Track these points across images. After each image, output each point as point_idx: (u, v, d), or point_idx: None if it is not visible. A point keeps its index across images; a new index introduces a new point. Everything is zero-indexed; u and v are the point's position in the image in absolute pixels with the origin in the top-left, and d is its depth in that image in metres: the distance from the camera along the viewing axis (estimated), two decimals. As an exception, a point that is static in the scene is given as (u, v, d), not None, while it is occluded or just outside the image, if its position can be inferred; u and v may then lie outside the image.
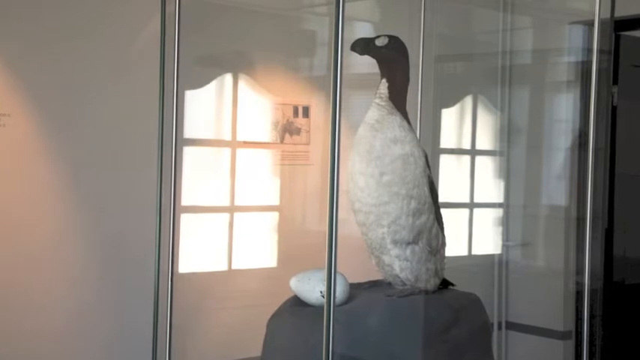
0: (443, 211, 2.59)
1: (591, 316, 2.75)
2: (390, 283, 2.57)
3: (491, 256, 4.65)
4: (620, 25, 3.96)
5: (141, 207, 3.44)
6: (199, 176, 3.88)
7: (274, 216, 4.18)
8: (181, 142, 3.46)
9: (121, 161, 3.64)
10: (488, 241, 4.71)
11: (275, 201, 4.15)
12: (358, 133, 2.48)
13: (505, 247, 4.63)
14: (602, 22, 2.73)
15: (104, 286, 3.61)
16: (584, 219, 2.73)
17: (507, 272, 4.61)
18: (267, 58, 4.04)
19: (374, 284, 2.63)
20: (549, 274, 4.57)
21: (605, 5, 2.97)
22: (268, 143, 4.07)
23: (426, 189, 2.48)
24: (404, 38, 2.57)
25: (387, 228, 2.45)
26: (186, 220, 3.73)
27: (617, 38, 4.06)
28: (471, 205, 4.63)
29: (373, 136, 2.45)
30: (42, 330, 3.47)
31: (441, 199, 2.59)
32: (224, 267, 3.98)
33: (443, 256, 2.59)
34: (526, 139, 4.71)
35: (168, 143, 2.97)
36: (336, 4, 1.95)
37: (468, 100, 4.66)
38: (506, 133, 4.64)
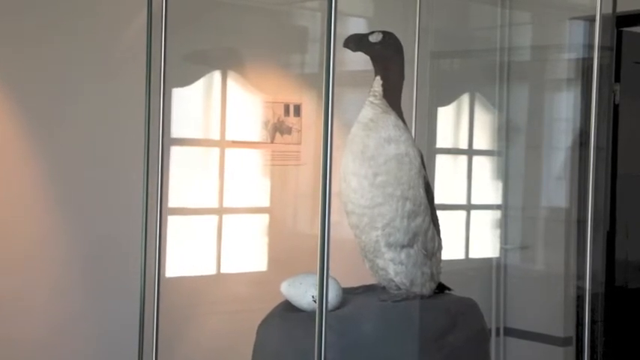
0: (439, 213, 2.57)
1: (592, 322, 2.78)
2: (384, 288, 2.55)
3: (489, 259, 4.66)
4: (622, 21, 3.97)
5: (127, 209, 3.41)
6: (187, 177, 3.86)
7: (264, 218, 4.16)
8: (168, 141, 3.45)
9: (106, 161, 3.60)
10: (486, 244, 4.72)
11: (265, 202, 4.13)
12: (351, 133, 2.46)
13: (503, 250, 4.64)
14: (603, 18, 2.74)
15: (89, 290, 3.57)
16: (585, 221, 2.72)
17: (506, 276, 4.63)
18: (257, 55, 4.02)
19: (368, 289, 2.60)
20: (549, 278, 4.58)
21: (606, 0, 3.00)
22: (258, 143, 4.04)
23: (422, 190, 2.46)
24: (399, 34, 2.55)
25: (381, 230, 2.43)
26: (173, 223, 3.71)
27: (619, 34, 4.07)
28: (469, 207, 4.64)
29: (367, 136, 2.43)
30: (24, 336, 3.43)
31: (437, 200, 2.58)
32: (212, 271, 3.96)
33: (439, 260, 2.57)
34: (525, 139, 4.73)
35: (154, 143, 2.95)
36: (328, -1, 1.92)
37: (465, 99, 4.66)
38: (505, 133, 4.65)
